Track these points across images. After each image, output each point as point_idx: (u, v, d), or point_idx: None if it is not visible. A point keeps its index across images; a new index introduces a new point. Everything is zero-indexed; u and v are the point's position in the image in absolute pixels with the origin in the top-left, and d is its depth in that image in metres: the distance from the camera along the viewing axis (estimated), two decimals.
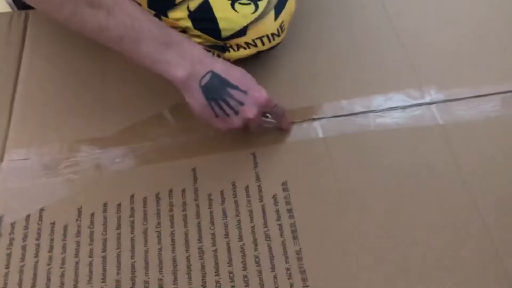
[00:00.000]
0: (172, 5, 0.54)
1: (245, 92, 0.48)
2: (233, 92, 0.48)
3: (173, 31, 0.48)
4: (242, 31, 0.54)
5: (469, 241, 0.48)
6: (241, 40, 0.55)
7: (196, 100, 0.48)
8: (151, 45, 0.45)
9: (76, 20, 0.44)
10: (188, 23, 0.54)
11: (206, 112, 0.49)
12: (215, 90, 0.47)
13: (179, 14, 0.54)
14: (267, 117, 0.55)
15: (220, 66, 0.48)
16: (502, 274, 0.46)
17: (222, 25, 0.54)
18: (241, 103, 0.48)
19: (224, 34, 0.54)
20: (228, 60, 0.58)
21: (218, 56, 0.58)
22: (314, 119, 0.58)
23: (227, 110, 0.48)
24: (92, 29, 0.44)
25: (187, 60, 0.46)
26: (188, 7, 0.53)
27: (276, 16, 0.55)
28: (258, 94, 0.49)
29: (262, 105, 0.49)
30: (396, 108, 0.58)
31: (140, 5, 0.54)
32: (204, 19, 0.54)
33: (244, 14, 0.54)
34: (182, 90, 0.48)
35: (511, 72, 0.60)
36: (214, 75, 0.47)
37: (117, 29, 0.44)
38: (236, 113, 0.49)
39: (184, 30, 0.55)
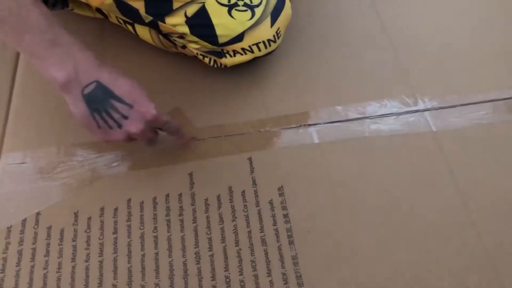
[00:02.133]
0: (170, 11, 0.54)
1: (130, 105, 0.47)
2: (117, 104, 0.46)
3: (65, 33, 0.45)
4: (239, 37, 0.55)
5: (463, 247, 0.49)
6: (238, 46, 0.55)
7: (78, 108, 0.45)
8: (35, 38, 0.42)
9: None
10: (185, 29, 0.54)
11: (88, 122, 0.47)
12: (98, 101, 0.46)
13: (177, 20, 0.54)
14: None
15: (107, 76, 0.46)
16: (496, 281, 0.47)
17: (219, 31, 0.54)
18: (125, 117, 0.47)
19: (221, 40, 0.55)
20: (225, 66, 0.58)
21: (215, 62, 0.58)
22: (309, 125, 0.58)
23: (110, 122, 0.47)
24: None
25: (71, 64, 0.44)
26: (185, 13, 0.54)
27: (273, 22, 0.56)
28: (144, 109, 0.47)
29: (148, 121, 0.48)
30: (390, 114, 0.59)
31: (137, 10, 0.55)
32: (201, 25, 0.54)
33: (241, 20, 0.54)
34: (63, 94, 0.45)
35: (502, 80, 0.61)
36: (99, 85, 0.45)
37: None
38: (119, 126, 0.47)
39: (181, 36, 0.56)
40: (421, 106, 0.60)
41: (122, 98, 0.46)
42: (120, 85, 0.47)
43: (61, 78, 0.43)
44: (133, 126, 0.47)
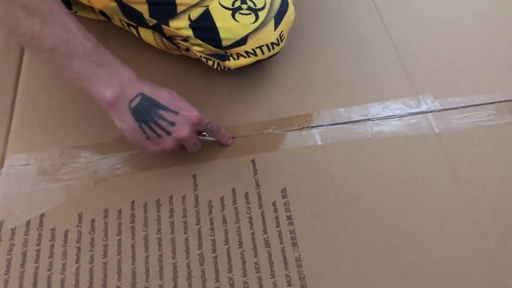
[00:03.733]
0: (174, 14, 0.54)
1: (175, 112, 0.49)
2: (163, 113, 0.48)
3: (106, 51, 0.47)
4: (243, 41, 0.55)
5: (465, 248, 0.49)
6: (241, 49, 0.56)
7: (126, 122, 0.47)
8: (83, 62, 0.44)
9: (9, 23, 0.42)
10: (189, 32, 0.55)
11: (137, 135, 0.48)
12: (145, 112, 0.47)
13: (180, 23, 0.54)
14: (204, 135, 0.55)
15: (149, 88, 0.48)
16: (498, 282, 0.47)
17: (222, 34, 0.54)
18: (173, 124, 0.48)
19: (225, 43, 0.55)
20: (228, 68, 0.58)
21: (218, 64, 0.59)
22: (312, 127, 0.58)
23: (159, 131, 0.48)
24: (24, 34, 0.42)
25: (117, 82, 0.46)
26: (189, 17, 0.54)
27: (276, 25, 0.56)
28: (189, 113, 0.49)
29: (194, 124, 0.50)
30: (393, 116, 0.59)
31: (141, 13, 0.55)
32: (205, 28, 0.54)
33: (245, 24, 0.54)
34: (111, 112, 0.47)
35: (505, 82, 0.62)
36: (144, 97, 0.47)
37: (49, 39, 0.43)
38: (168, 133, 0.49)
39: (185, 39, 0.56)
40: (423, 107, 0.60)
41: (167, 106, 0.48)
42: (163, 95, 0.49)
43: (111, 96, 0.45)
44: (182, 131, 0.49)
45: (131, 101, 0.47)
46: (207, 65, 0.60)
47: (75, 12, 0.68)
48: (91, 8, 0.65)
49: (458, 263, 0.48)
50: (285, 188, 0.54)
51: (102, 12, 0.62)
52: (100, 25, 0.68)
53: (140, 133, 0.48)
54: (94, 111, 0.60)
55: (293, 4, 0.59)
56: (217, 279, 0.48)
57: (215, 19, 0.54)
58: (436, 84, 0.62)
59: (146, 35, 0.61)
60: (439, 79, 0.62)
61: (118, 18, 0.61)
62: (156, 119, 0.48)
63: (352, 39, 0.67)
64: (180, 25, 0.55)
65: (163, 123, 0.48)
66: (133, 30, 0.62)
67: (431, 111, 0.59)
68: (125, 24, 0.62)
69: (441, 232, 0.50)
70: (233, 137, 0.58)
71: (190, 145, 0.52)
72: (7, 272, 0.49)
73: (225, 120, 0.60)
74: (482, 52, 0.65)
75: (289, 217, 0.52)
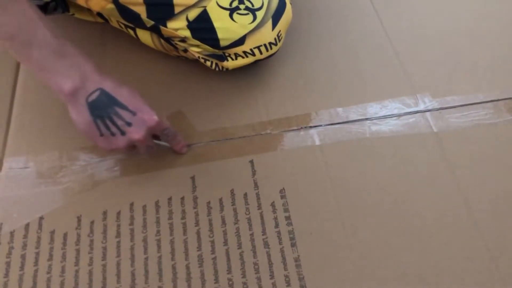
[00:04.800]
0: (171, 15, 0.54)
1: (133, 112, 0.48)
2: (120, 111, 0.47)
3: (70, 44, 0.46)
4: (240, 41, 0.55)
5: (464, 246, 0.49)
6: (239, 49, 0.56)
7: (81, 116, 0.47)
8: (43, 52, 0.44)
9: None
10: (187, 33, 0.55)
11: (91, 130, 0.47)
12: (102, 108, 0.47)
13: (178, 24, 0.54)
14: (159, 140, 0.55)
15: (110, 84, 0.47)
16: (498, 281, 0.47)
17: (220, 34, 0.54)
18: (129, 124, 0.48)
19: (223, 43, 0.55)
20: (227, 69, 0.58)
21: (216, 65, 0.59)
22: (311, 127, 0.58)
23: (113, 129, 0.48)
24: None
25: (77, 74, 0.45)
26: (187, 17, 0.54)
27: (274, 25, 0.56)
28: (147, 116, 0.48)
29: (150, 127, 0.49)
30: (391, 115, 0.59)
31: (139, 15, 0.55)
32: (203, 29, 0.54)
33: (242, 24, 0.54)
34: (68, 104, 0.47)
35: (503, 80, 0.62)
36: (103, 93, 0.47)
37: (8, 27, 0.42)
38: (122, 133, 0.48)
39: (183, 40, 0.56)
40: (421, 106, 0.60)
41: (126, 105, 0.48)
42: (123, 93, 0.48)
43: (68, 88, 0.45)
44: (136, 133, 0.48)
45: (90, 95, 0.46)
46: (205, 66, 0.60)
47: (73, 14, 0.68)
48: (88, 10, 0.65)
49: (457, 262, 0.48)
50: (283, 188, 0.54)
51: (99, 14, 0.62)
52: (97, 27, 0.68)
53: (94, 128, 0.47)
54: None
55: (290, 4, 0.59)
56: (216, 280, 0.48)
57: (212, 20, 0.54)
58: (434, 83, 0.62)
59: (144, 36, 0.61)
60: (437, 78, 0.62)
61: (116, 20, 0.61)
62: (113, 117, 0.47)
63: (349, 38, 0.67)
64: (177, 26, 0.55)
65: (119, 122, 0.48)
66: (131, 32, 0.62)
67: (429, 110, 0.59)
68: (122, 26, 0.62)
69: (440, 231, 0.50)
70: (188, 145, 0.57)
71: (143, 148, 0.52)
72: (6, 275, 0.49)
73: (223, 121, 0.60)
74: (480, 51, 0.65)
75: (288, 218, 0.52)
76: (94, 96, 0.46)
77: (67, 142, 0.58)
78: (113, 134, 0.48)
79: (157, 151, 0.55)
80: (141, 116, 0.48)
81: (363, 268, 0.49)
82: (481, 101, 0.60)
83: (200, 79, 0.63)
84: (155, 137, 0.54)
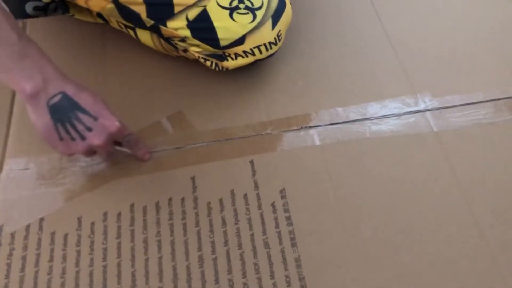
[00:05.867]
0: (171, 15, 0.54)
1: (94, 118, 0.47)
2: (81, 116, 0.47)
3: (34, 45, 0.46)
4: (240, 40, 0.55)
5: (464, 247, 0.49)
6: (239, 49, 0.56)
7: (41, 119, 0.46)
8: (6, 51, 0.43)
9: None
10: (187, 33, 0.55)
11: (50, 134, 0.47)
12: (63, 111, 0.46)
13: (178, 24, 0.54)
14: (121, 145, 0.54)
15: (73, 88, 0.47)
16: (498, 281, 0.47)
17: (220, 34, 0.54)
18: (89, 129, 0.47)
19: (223, 43, 0.55)
20: (227, 68, 0.58)
21: (216, 65, 0.59)
22: (311, 127, 0.58)
23: (73, 134, 0.47)
24: None
25: (39, 76, 0.45)
26: (187, 17, 0.54)
27: (274, 25, 0.56)
28: (108, 122, 0.48)
29: (111, 133, 0.48)
30: (391, 115, 0.59)
31: (139, 14, 0.55)
32: (202, 28, 0.54)
33: (242, 23, 0.54)
34: (28, 106, 0.46)
35: (503, 79, 0.62)
36: (65, 97, 0.46)
37: None
38: (82, 138, 0.47)
39: (183, 39, 0.56)
40: (422, 106, 0.60)
41: (87, 110, 0.47)
42: (86, 98, 0.48)
43: (30, 89, 0.44)
44: (96, 138, 0.48)
45: (51, 98, 0.46)
46: (205, 66, 0.60)
47: (73, 15, 0.68)
48: (88, 11, 0.65)
49: (458, 262, 0.48)
50: (284, 188, 0.54)
51: (99, 15, 0.62)
52: (97, 28, 0.68)
53: (54, 132, 0.47)
54: None
55: (290, 3, 0.59)
56: (216, 281, 0.48)
57: (212, 19, 0.54)
58: (434, 82, 0.62)
59: (144, 36, 0.61)
60: (437, 77, 0.62)
61: (116, 20, 0.61)
62: (73, 121, 0.47)
63: (349, 38, 0.67)
64: (177, 26, 0.55)
65: (79, 127, 0.47)
66: (131, 32, 0.62)
67: (429, 110, 0.59)
68: (122, 26, 0.62)
69: (440, 231, 0.50)
70: (151, 152, 0.57)
71: (104, 154, 0.52)
72: (7, 276, 0.49)
73: (223, 121, 0.60)
74: (480, 50, 0.65)
75: (288, 218, 0.52)
76: (55, 100, 0.46)
77: None
78: (73, 139, 0.47)
79: (118, 157, 0.55)
80: (102, 122, 0.48)
81: (363, 268, 0.48)
82: (482, 100, 0.60)
83: (200, 80, 0.63)
84: (118, 143, 0.53)
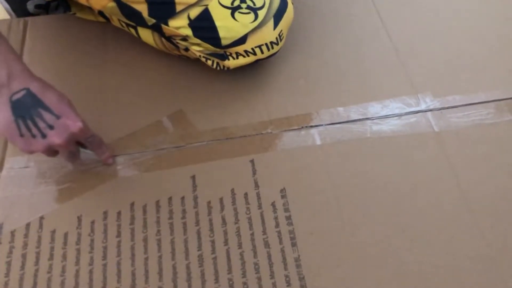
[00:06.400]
0: (173, 14, 0.54)
1: (57, 116, 0.47)
2: (44, 113, 0.46)
3: (4, 40, 0.46)
4: (242, 40, 0.55)
5: (465, 246, 0.49)
6: (241, 49, 0.56)
7: (1, 114, 0.45)
8: None
9: None
10: (188, 32, 0.55)
11: (11, 129, 0.46)
12: (25, 107, 0.46)
13: (180, 23, 0.54)
14: (85, 148, 0.54)
15: (38, 86, 0.47)
16: (499, 280, 0.47)
17: (222, 33, 0.54)
18: (51, 127, 0.47)
19: (224, 42, 0.55)
20: (228, 68, 0.58)
21: (218, 64, 0.59)
22: (311, 127, 0.58)
23: (34, 131, 0.46)
24: None
25: (5, 72, 0.45)
26: (188, 16, 0.54)
27: (275, 25, 0.56)
28: (70, 122, 0.47)
29: (73, 133, 0.48)
30: (392, 115, 0.59)
31: (140, 13, 0.55)
32: (204, 27, 0.54)
33: (244, 23, 0.54)
34: None
35: (504, 80, 0.61)
36: (28, 93, 0.46)
37: None
38: (43, 136, 0.47)
39: (184, 38, 0.56)
40: (423, 106, 0.60)
41: (50, 108, 0.46)
42: (50, 96, 0.47)
43: None
44: (57, 137, 0.47)
45: (14, 94, 0.45)
46: (206, 65, 0.60)
47: (74, 13, 0.68)
48: (89, 9, 0.65)
49: (458, 262, 0.48)
50: (284, 188, 0.54)
51: (101, 13, 0.62)
52: (99, 26, 0.68)
53: (14, 128, 0.46)
54: (92, 113, 0.60)
55: (292, 3, 0.59)
56: (216, 280, 0.48)
57: (214, 18, 0.54)
58: (436, 83, 0.62)
59: (145, 35, 0.61)
60: (438, 77, 0.62)
61: (117, 19, 0.61)
62: (35, 118, 0.46)
63: (350, 38, 0.67)
64: (179, 25, 0.54)
65: (41, 124, 0.46)
66: (132, 31, 0.62)
67: (430, 110, 0.59)
68: (124, 25, 0.62)
69: (440, 231, 0.50)
70: (114, 156, 0.56)
71: (66, 154, 0.51)
72: (7, 274, 0.49)
73: (223, 120, 0.60)
74: (482, 50, 0.64)
75: (288, 218, 0.52)
76: (18, 95, 0.45)
77: None
78: (33, 136, 0.47)
79: (81, 158, 0.55)
80: (64, 121, 0.47)
81: (363, 268, 0.48)
82: (483, 100, 0.60)
83: (201, 79, 0.63)
84: (82, 145, 0.53)
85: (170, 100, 0.61)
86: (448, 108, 0.59)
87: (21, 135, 0.46)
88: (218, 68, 0.59)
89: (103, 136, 0.58)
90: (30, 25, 0.69)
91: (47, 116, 0.46)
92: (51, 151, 0.50)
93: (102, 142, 0.54)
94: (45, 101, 0.46)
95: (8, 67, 0.45)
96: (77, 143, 0.52)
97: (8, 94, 0.45)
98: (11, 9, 0.72)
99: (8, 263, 0.50)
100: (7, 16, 0.73)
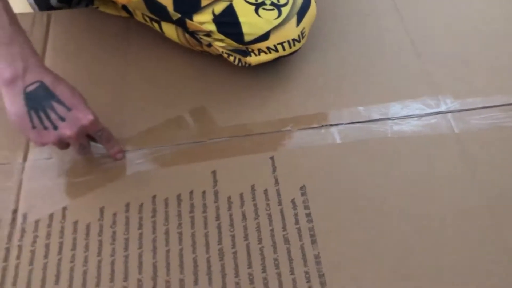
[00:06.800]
0: (198, 9, 0.55)
1: (68, 108, 0.48)
2: (56, 106, 0.47)
3: (23, 32, 0.47)
4: (265, 36, 0.55)
5: (485, 249, 0.49)
6: (263, 45, 0.56)
7: (15, 106, 0.46)
8: None
9: None
10: (212, 27, 0.55)
11: (23, 121, 0.47)
12: (39, 99, 0.46)
13: (204, 18, 0.55)
14: (96, 142, 0.54)
15: (51, 79, 0.47)
16: None
17: (245, 29, 0.55)
18: (62, 119, 0.48)
19: (247, 38, 0.55)
20: (249, 64, 0.59)
21: (239, 60, 0.59)
22: (331, 125, 0.59)
23: (46, 123, 0.47)
24: None
25: (20, 64, 0.45)
26: (213, 11, 0.54)
27: (298, 22, 0.56)
28: (82, 114, 0.48)
29: (83, 126, 0.49)
30: (413, 116, 0.59)
31: (165, 7, 0.55)
32: (228, 23, 0.55)
33: (268, 19, 0.54)
34: (4, 91, 0.46)
35: None
36: (42, 86, 0.47)
37: None
38: (55, 128, 0.48)
39: (207, 34, 0.56)
40: (443, 108, 0.60)
41: (63, 100, 0.47)
42: (62, 89, 0.48)
43: (8, 75, 0.45)
44: (68, 129, 0.48)
45: (28, 86, 0.46)
46: (228, 62, 0.60)
47: (97, 7, 0.68)
48: (113, 4, 0.65)
49: (478, 264, 0.48)
50: (304, 185, 0.54)
51: (124, 7, 0.63)
52: (121, 21, 0.68)
53: (27, 120, 0.47)
54: (114, 107, 0.61)
55: (315, 2, 0.59)
56: (236, 275, 0.49)
57: (238, 14, 0.54)
58: (456, 84, 0.62)
59: (169, 30, 0.61)
60: (459, 79, 0.62)
61: (141, 13, 0.61)
62: (47, 110, 0.47)
63: (371, 38, 0.67)
64: (203, 20, 0.55)
65: (53, 116, 0.47)
66: (156, 25, 0.62)
67: (450, 111, 0.59)
68: (147, 19, 0.62)
69: (459, 233, 0.50)
70: (124, 151, 0.56)
71: (77, 146, 0.52)
72: (31, 263, 0.49)
73: (244, 117, 0.60)
74: (503, 53, 0.64)
75: (308, 215, 0.52)
76: (32, 88, 0.46)
77: None
78: (45, 128, 0.48)
79: (92, 152, 0.55)
80: (75, 113, 0.48)
81: (382, 267, 0.49)
82: (503, 103, 0.60)
83: (223, 75, 0.63)
84: (93, 139, 0.53)
85: (191, 96, 0.62)
86: (468, 110, 0.59)
87: (33, 127, 0.47)
88: (240, 64, 0.59)
89: (125, 129, 0.59)
90: (54, 19, 0.69)
91: (59, 108, 0.47)
92: (62, 144, 0.51)
93: (111, 136, 0.55)
94: (57, 94, 0.47)
95: (24, 60, 0.46)
96: (88, 137, 0.52)
97: (23, 86, 0.46)
98: (34, 3, 0.73)
99: (32, 252, 0.50)
100: (30, 10, 0.73)
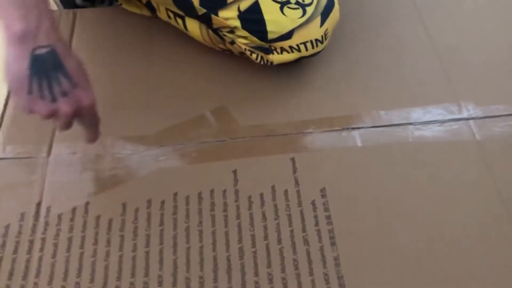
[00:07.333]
0: (224, 4, 0.55)
1: (74, 85, 0.44)
2: (62, 80, 0.44)
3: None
4: (288, 35, 0.55)
5: (505, 258, 0.49)
6: (286, 44, 0.56)
7: (16, 65, 0.42)
8: None
9: None
10: (237, 23, 0.55)
11: (20, 83, 0.43)
12: (45, 67, 0.42)
13: (230, 14, 0.55)
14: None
15: (62, 47, 0.43)
16: None
17: (269, 27, 0.55)
18: (64, 94, 0.44)
19: (271, 36, 0.55)
20: (271, 63, 0.59)
21: (262, 58, 0.59)
22: (353, 128, 0.59)
23: (45, 92, 0.43)
24: None
25: (35, 21, 0.41)
26: (238, 7, 0.55)
27: (322, 22, 0.56)
28: (84, 94, 0.45)
29: (83, 106, 0.46)
30: (435, 121, 0.59)
31: (192, 2, 0.56)
32: (253, 20, 0.55)
33: (292, 18, 0.55)
34: (9, 47, 0.42)
35: None
36: (52, 52, 0.42)
37: None
38: (53, 100, 0.44)
39: (232, 30, 0.57)
40: (465, 114, 0.60)
41: (70, 75, 0.44)
42: (71, 61, 0.45)
43: (19, 28, 0.40)
44: (68, 106, 0.45)
45: (38, 48, 0.41)
46: (250, 62, 0.60)
47: (121, 4, 0.69)
48: (136, 2, 0.66)
49: (498, 271, 0.48)
50: (324, 187, 0.54)
51: (148, 4, 0.63)
52: (144, 20, 0.69)
53: (25, 84, 0.43)
54: (137, 105, 0.62)
55: (338, 4, 0.60)
56: (256, 274, 0.49)
57: (263, 11, 0.55)
58: (478, 91, 0.61)
59: (192, 26, 0.62)
60: (481, 86, 0.62)
61: (165, 8, 0.62)
62: (51, 81, 0.43)
63: (394, 43, 0.67)
64: (228, 16, 0.55)
65: (56, 89, 0.44)
66: (179, 21, 0.62)
67: (472, 118, 0.59)
68: (171, 15, 0.63)
69: (480, 240, 0.50)
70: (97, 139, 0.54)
71: (62, 121, 0.47)
72: (53, 256, 0.50)
73: (265, 118, 0.60)
74: None
75: (328, 217, 0.52)
76: (41, 51, 0.42)
77: (113, 131, 0.58)
78: (42, 97, 0.43)
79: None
80: (79, 92, 0.45)
81: (401, 271, 0.49)
82: None
83: (244, 75, 0.63)
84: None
85: (212, 95, 0.62)
86: (490, 117, 0.59)
87: (30, 93, 0.43)
88: (262, 62, 0.60)
89: (148, 127, 0.59)
90: (79, 17, 0.70)
91: (64, 82, 0.44)
92: (51, 116, 0.46)
93: (98, 123, 0.52)
94: (66, 66, 0.44)
95: (39, 19, 0.41)
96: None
97: (32, 45, 0.41)
98: (59, 1, 0.74)
99: (55, 245, 0.51)
100: (54, 7, 0.74)
